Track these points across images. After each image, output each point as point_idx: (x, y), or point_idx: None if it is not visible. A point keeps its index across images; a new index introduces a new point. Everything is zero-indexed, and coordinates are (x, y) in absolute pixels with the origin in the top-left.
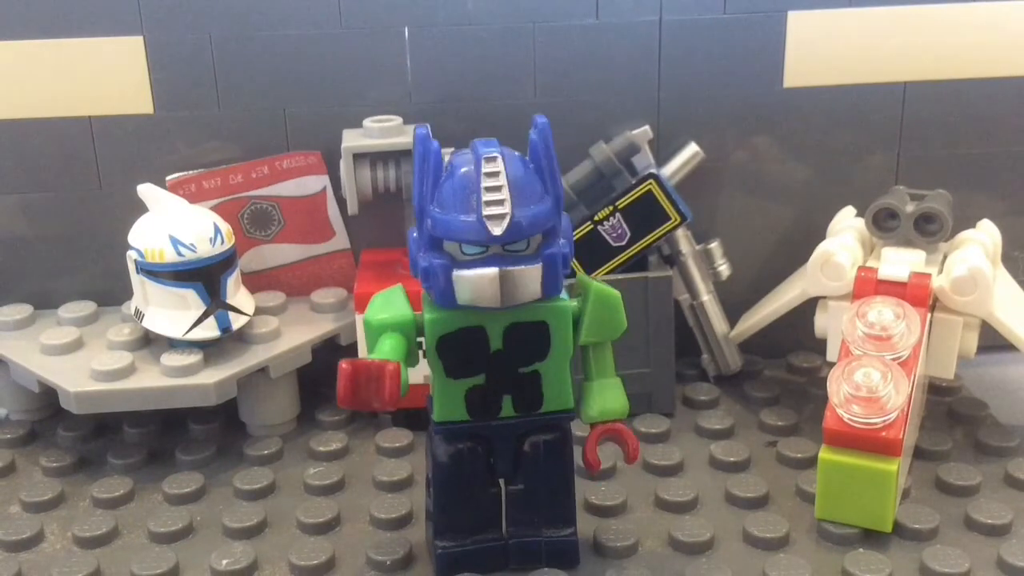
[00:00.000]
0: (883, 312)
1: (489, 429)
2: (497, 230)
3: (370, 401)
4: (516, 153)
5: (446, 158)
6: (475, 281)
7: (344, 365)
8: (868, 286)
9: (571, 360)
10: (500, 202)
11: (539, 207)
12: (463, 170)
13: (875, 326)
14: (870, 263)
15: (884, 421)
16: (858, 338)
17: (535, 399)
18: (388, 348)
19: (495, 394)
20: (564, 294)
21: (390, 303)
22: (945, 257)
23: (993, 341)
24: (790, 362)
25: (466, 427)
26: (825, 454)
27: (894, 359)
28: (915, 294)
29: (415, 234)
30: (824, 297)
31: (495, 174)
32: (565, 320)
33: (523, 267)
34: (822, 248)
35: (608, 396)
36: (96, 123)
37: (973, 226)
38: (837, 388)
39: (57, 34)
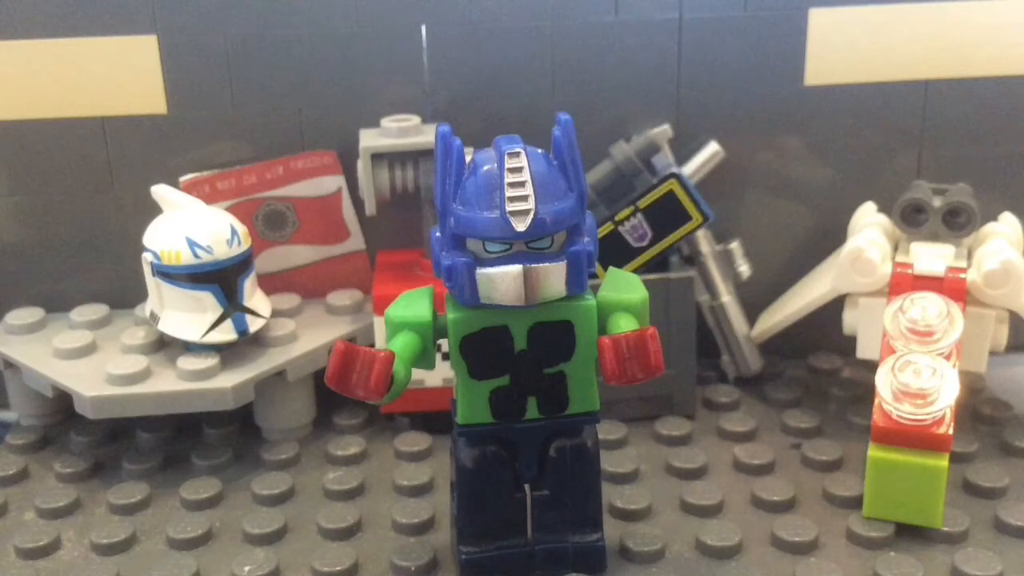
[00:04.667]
0: (927, 308)
1: (514, 432)
2: (521, 226)
3: (356, 387)
4: (539, 150)
5: (468, 157)
6: (499, 279)
7: (339, 345)
8: (905, 282)
9: (596, 361)
10: (524, 198)
11: (563, 204)
12: (486, 167)
13: (918, 322)
14: (899, 258)
15: (933, 417)
16: (900, 334)
17: (560, 401)
18: (398, 345)
19: (520, 395)
20: (589, 294)
21: (413, 302)
22: (970, 251)
23: (1013, 341)
24: (810, 363)
25: (490, 430)
26: (875, 452)
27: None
28: (952, 288)
29: (438, 234)
30: (853, 294)
31: (518, 170)
32: (590, 319)
33: (547, 264)
34: (853, 245)
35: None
36: (109, 123)
37: None
38: (886, 385)
39: (69, 33)
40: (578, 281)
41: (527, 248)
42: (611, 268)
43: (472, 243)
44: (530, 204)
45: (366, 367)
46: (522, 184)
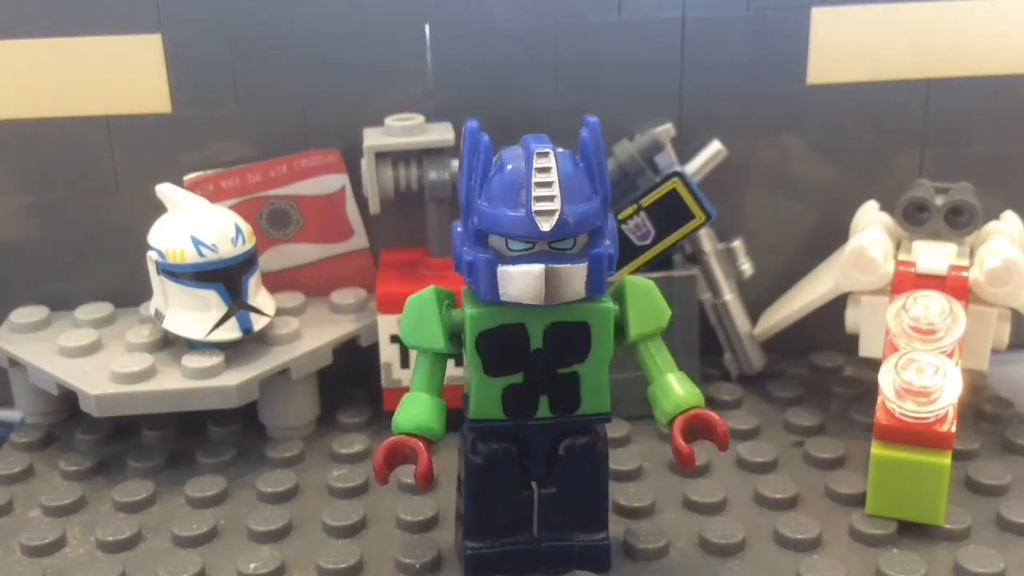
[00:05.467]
0: (930, 307)
1: (524, 429)
2: (546, 226)
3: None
4: (565, 151)
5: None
6: (520, 277)
7: (378, 457)
8: (907, 280)
9: (610, 363)
10: (550, 198)
11: (587, 206)
12: (512, 165)
13: (921, 321)
14: (901, 257)
15: (936, 415)
16: (903, 332)
17: (573, 401)
18: (424, 388)
19: (533, 394)
20: (606, 297)
21: (423, 322)
22: (972, 249)
23: (1015, 339)
24: (812, 361)
25: (501, 426)
26: (877, 450)
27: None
28: (954, 286)
29: (459, 228)
30: (855, 292)
31: (547, 170)
32: (606, 322)
33: (569, 265)
34: (855, 243)
35: (682, 386)
36: (113, 122)
37: None
38: (889, 382)
39: (73, 32)
40: (597, 283)
41: (549, 248)
42: (628, 286)
43: (494, 240)
44: (556, 205)
45: (409, 460)
46: (549, 184)
